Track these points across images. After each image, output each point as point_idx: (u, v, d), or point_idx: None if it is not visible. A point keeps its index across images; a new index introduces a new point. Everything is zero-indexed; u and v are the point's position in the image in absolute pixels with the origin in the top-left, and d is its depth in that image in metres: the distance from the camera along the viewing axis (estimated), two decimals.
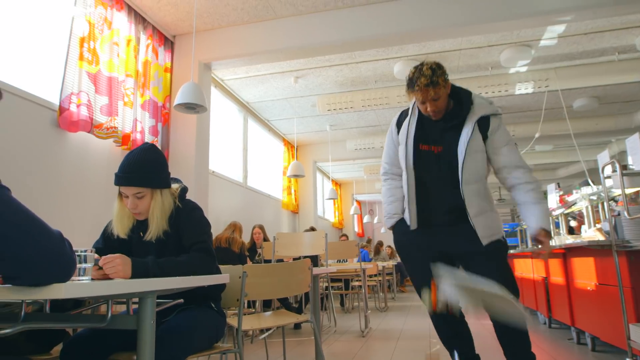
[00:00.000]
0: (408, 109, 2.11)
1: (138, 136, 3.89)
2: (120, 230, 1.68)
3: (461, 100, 1.98)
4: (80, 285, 0.85)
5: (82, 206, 3.35)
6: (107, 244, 1.73)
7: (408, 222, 2.04)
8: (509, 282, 1.89)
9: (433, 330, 4.37)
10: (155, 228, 1.61)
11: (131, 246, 1.72)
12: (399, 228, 2.11)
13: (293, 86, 5.92)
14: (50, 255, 0.88)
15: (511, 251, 6.19)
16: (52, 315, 1.18)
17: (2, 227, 0.84)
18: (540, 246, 1.86)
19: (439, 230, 1.99)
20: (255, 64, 4.86)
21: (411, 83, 1.91)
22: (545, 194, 5.54)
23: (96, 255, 1.22)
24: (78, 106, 3.25)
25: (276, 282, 2.12)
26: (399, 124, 2.12)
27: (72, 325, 1.08)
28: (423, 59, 5.45)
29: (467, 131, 1.91)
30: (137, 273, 1.31)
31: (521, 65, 5.45)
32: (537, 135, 6.43)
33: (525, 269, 5.27)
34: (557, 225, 5.22)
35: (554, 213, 4.94)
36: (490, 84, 5.63)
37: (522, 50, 5.01)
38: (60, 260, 0.89)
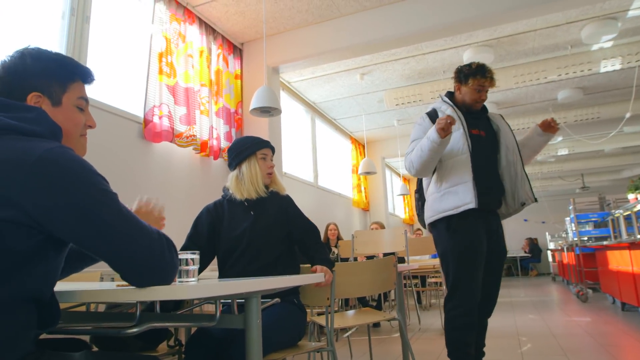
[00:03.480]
0: (434, 109, 2.38)
1: (214, 143, 4.05)
2: (252, 191, 1.91)
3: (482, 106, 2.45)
4: (198, 287, 0.89)
5: (168, 211, 3.53)
6: (197, 229, 1.97)
7: (464, 203, 2.16)
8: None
9: (521, 328, 4.18)
10: (279, 184, 2.02)
11: (221, 230, 1.92)
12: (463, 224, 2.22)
13: (359, 83, 5.89)
14: (154, 260, 0.93)
15: (604, 242, 5.72)
16: (165, 315, 1.24)
17: (109, 230, 0.89)
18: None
19: (485, 217, 2.23)
20: (321, 64, 4.88)
21: (482, 70, 2.28)
22: None
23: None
24: (160, 117, 3.44)
25: (362, 281, 2.10)
26: (433, 120, 2.31)
27: (186, 324, 1.14)
28: (494, 44, 5.17)
29: (506, 123, 2.37)
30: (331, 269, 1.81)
31: (606, 41, 5.01)
32: (627, 115, 5.89)
33: (621, 261, 4.85)
34: None
35: None
36: (571, 63, 5.23)
37: (607, 23, 4.60)
38: (162, 264, 0.94)
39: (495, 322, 4.61)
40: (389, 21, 4.15)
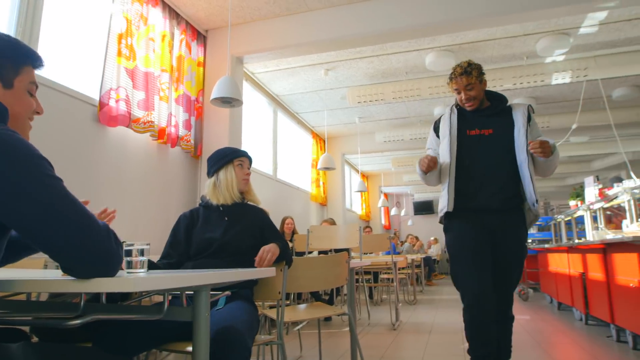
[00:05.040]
0: (439, 117, 2.41)
1: (172, 130, 3.97)
2: (227, 196, 1.98)
3: (499, 98, 2.32)
4: (145, 279, 0.88)
5: (121, 198, 3.45)
6: (176, 237, 1.97)
7: (443, 206, 2.24)
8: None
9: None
10: (254, 196, 2.08)
11: (193, 233, 1.94)
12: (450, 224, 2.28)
13: (323, 78, 5.91)
14: (98, 249, 0.90)
15: (545, 245, 6.05)
16: (111, 306, 1.22)
17: (51, 217, 0.86)
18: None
19: (484, 217, 2.18)
20: (286, 57, 4.86)
21: (450, 75, 2.28)
22: (582, 187, 5.39)
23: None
24: (117, 101, 3.33)
25: (314, 276, 2.13)
26: (436, 129, 2.39)
27: (133, 316, 1.12)
28: (456, 49, 5.33)
29: (523, 117, 2.19)
30: (282, 251, 1.84)
31: (558, 54, 5.28)
32: (574, 126, 6.23)
33: (560, 264, 5.15)
34: (594, 219, 5.07)
35: (593, 207, 4.79)
36: (526, 74, 5.47)
37: (560, 38, 4.85)
38: (107, 254, 0.91)
39: (442, 319, 4.79)
40: (356, 19, 4.19)
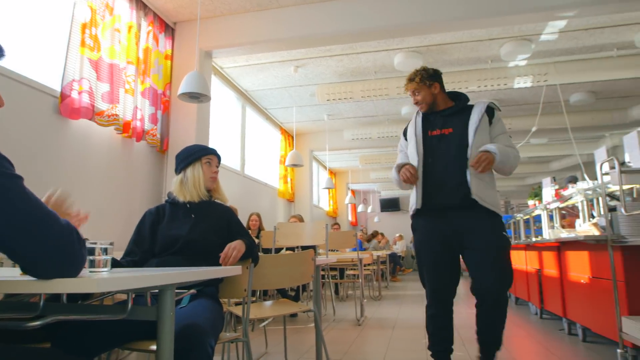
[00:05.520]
0: (409, 122, 2.51)
1: (138, 124, 3.88)
2: (194, 194, 1.96)
3: (459, 97, 2.42)
4: (109, 279, 0.88)
5: (83, 194, 3.36)
6: (140, 233, 1.93)
7: (413, 204, 2.34)
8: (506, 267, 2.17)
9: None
10: (222, 194, 2.08)
11: (159, 230, 1.91)
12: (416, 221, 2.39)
13: (293, 75, 5.91)
14: (60, 249, 0.88)
15: None
16: (72, 305, 1.20)
17: (13, 217, 0.84)
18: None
19: (448, 215, 2.23)
20: (256, 52, 4.83)
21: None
22: (540, 187, 5.61)
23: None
24: (80, 93, 3.24)
25: (280, 273, 2.15)
26: (405, 133, 2.49)
27: (95, 316, 1.11)
28: (424, 51, 5.44)
29: (478, 114, 2.25)
30: (248, 248, 1.83)
31: (521, 59, 5.47)
32: (534, 128, 6.48)
33: (518, 260, 5.36)
34: (551, 218, 5.30)
35: (549, 207, 5.00)
36: (490, 77, 5.65)
37: (523, 44, 5.03)
38: (69, 254, 0.90)
39: (405, 314, 4.90)
40: (327, 17, 4.21)
